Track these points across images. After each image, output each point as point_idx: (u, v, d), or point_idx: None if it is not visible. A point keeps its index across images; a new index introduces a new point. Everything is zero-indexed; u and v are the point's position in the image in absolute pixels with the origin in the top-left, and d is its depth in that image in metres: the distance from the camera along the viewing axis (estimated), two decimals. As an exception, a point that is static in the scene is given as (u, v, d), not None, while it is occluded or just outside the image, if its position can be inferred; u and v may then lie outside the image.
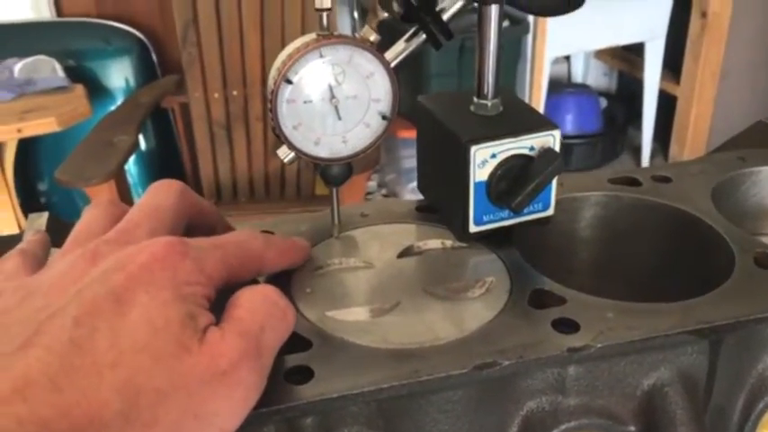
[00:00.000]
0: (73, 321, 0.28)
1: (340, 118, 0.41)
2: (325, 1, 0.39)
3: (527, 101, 2.35)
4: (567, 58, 2.91)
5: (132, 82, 2.37)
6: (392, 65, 0.42)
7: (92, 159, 1.80)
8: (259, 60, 2.06)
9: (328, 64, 0.39)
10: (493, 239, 0.45)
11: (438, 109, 0.45)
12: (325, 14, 0.39)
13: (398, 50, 0.43)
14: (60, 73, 2.10)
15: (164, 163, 2.43)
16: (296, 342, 0.36)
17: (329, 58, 0.39)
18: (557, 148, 0.43)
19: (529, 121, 0.44)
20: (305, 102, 0.40)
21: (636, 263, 0.50)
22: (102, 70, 2.35)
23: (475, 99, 0.45)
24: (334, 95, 0.40)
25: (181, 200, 0.38)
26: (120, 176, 1.84)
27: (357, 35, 0.40)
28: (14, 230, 2.17)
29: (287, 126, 0.40)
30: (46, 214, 0.48)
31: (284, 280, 0.41)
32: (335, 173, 0.43)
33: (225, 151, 2.07)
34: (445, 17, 0.43)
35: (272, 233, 0.46)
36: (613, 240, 0.51)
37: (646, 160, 2.74)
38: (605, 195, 0.50)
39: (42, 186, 2.43)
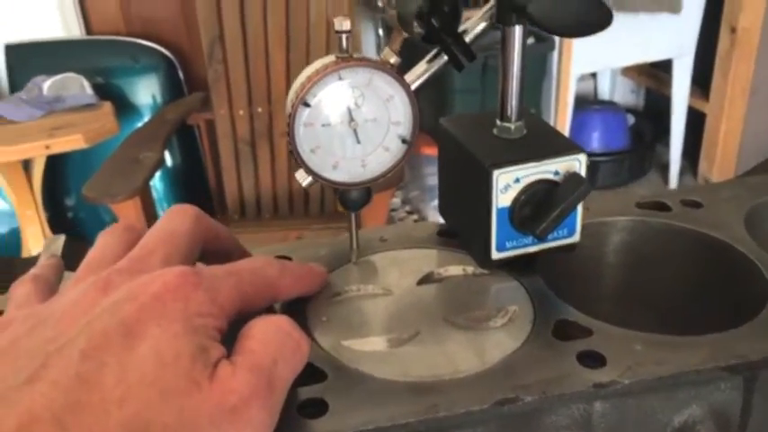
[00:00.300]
0: (80, 355, 0.27)
1: (359, 141, 0.40)
2: (345, 23, 0.38)
3: (552, 118, 2.34)
4: (594, 75, 2.89)
5: (159, 99, 2.39)
6: (413, 87, 0.41)
7: (118, 176, 1.81)
8: (284, 77, 2.07)
9: (347, 87, 0.38)
10: (515, 266, 0.43)
11: (460, 132, 0.44)
12: (344, 36, 0.38)
13: (419, 72, 0.42)
14: (89, 90, 2.13)
15: (189, 179, 2.44)
16: (310, 373, 0.35)
17: (348, 80, 0.38)
18: (582, 173, 0.42)
19: (553, 145, 0.42)
20: (323, 125, 0.39)
21: (665, 291, 0.49)
22: (129, 87, 2.38)
23: (498, 122, 0.44)
24: (353, 118, 0.39)
25: (196, 225, 0.37)
26: (145, 193, 1.85)
27: (379, 57, 0.39)
28: (41, 245, 2.19)
29: (304, 149, 0.39)
30: (63, 237, 0.47)
31: (300, 307, 0.40)
32: (354, 197, 0.42)
33: (249, 168, 2.08)
34: (468, 38, 0.42)
35: (289, 258, 0.45)
36: (641, 267, 0.49)
37: (674, 178, 2.70)
38: (633, 220, 0.49)
39: (70, 201, 2.46)
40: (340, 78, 0.38)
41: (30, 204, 2.14)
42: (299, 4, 2.04)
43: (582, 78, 2.53)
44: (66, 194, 2.44)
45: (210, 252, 0.38)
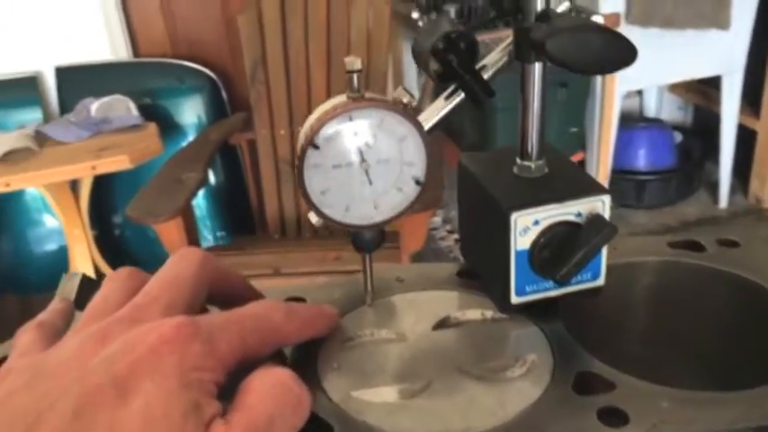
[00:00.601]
0: (73, 413, 0.27)
1: (371, 183, 0.38)
2: (356, 63, 0.37)
3: (596, 137, 2.29)
4: (640, 92, 2.83)
5: (203, 119, 2.43)
6: (429, 126, 0.40)
7: (160, 196, 1.84)
8: (325, 97, 2.07)
9: (359, 127, 0.37)
10: (536, 310, 0.41)
11: (479, 170, 0.43)
12: (355, 76, 0.37)
13: (436, 109, 0.41)
14: (134, 112, 2.17)
15: (231, 198, 2.47)
16: (316, 426, 0.34)
17: (359, 121, 0.37)
18: (606, 215, 0.40)
19: (576, 185, 0.40)
20: (334, 166, 0.38)
21: (697, 340, 0.46)
22: (175, 108, 2.42)
23: (518, 160, 0.42)
24: (364, 159, 0.38)
25: (201, 269, 0.36)
26: (187, 212, 1.88)
27: (390, 96, 0.38)
28: (88, 263, 2.23)
29: (314, 191, 0.38)
30: (79, 276, 0.47)
31: (312, 351, 0.39)
32: (367, 239, 0.41)
33: (290, 188, 2.09)
34: (486, 75, 0.40)
35: (303, 300, 0.44)
36: (672, 314, 0.46)
37: (724, 197, 2.62)
38: (664, 261, 0.46)
39: (117, 219, 2.51)
40: (351, 119, 0.37)
41: (77, 224, 2.19)
42: (340, 23, 2.05)
43: (627, 95, 2.48)
44: (114, 212, 2.48)
45: (219, 296, 0.37)
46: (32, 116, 2.29)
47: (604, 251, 0.41)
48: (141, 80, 2.42)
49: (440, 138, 2.06)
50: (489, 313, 0.42)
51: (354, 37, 2.06)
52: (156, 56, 2.48)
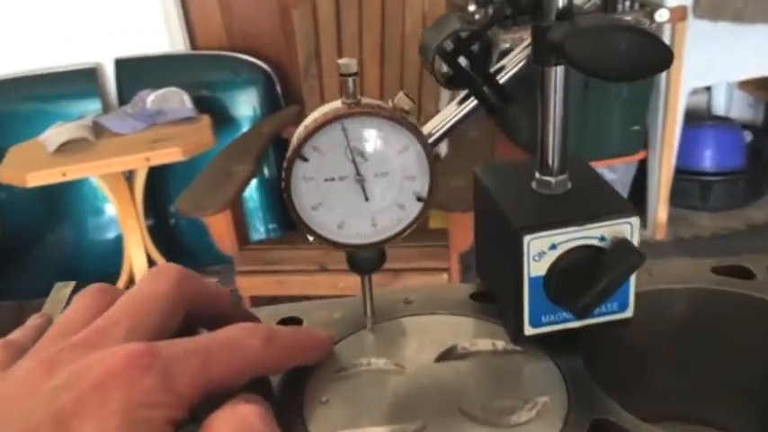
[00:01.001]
0: None
1: (367, 198, 0.35)
2: (352, 65, 0.33)
3: (659, 135, 2.19)
4: (708, 88, 2.69)
5: (257, 112, 2.43)
6: (436, 135, 0.36)
7: (210, 189, 1.84)
8: (378, 91, 2.04)
9: (353, 137, 0.34)
10: (554, 341, 0.37)
11: (494, 184, 0.38)
12: (351, 80, 0.33)
13: (445, 117, 0.37)
14: (188, 104, 2.18)
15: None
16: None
17: (354, 130, 0.33)
18: (635, 241, 0.35)
19: (601, 205, 0.36)
20: (326, 180, 0.34)
21: (741, 381, 0.41)
22: (230, 101, 2.43)
23: (537, 174, 0.38)
24: (359, 173, 0.34)
25: (177, 288, 0.33)
26: (236, 205, 1.88)
27: (390, 102, 0.34)
28: (141, 252, 2.26)
29: (304, 207, 0.35)
30: (72, 284, 0.45)
31: (302, 381, 0.36)
32: (365, 258, 0.37)
33: (340, 183, 2.06)
34: (502, 79, 0.36)
35: (299, 320, 0.41)
36: (712, 349, 0.41)
37: (797, 201, 2.48)
38: (705, 290, 0.41)
39: (172, 209, 2.53)
40: (343, 129, 0.33)
41: (131, 213, 2.22)
42: (394, 15, 2.02)
43: (694, 92, 2.36)
44: (169, 202, 2.51)
45: (202, 317, 0.34)
46: (92, 107, 2.33)
47: (633, 280, 0.36)
48: (198, 72, 2.44)
49: (493, 132, 2.00)
50: (501, 344, 0.38)
51: (409, 30, 2.02)
52: (212, 48, 2.49)
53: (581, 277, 0.35)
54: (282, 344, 0.33)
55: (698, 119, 2.50)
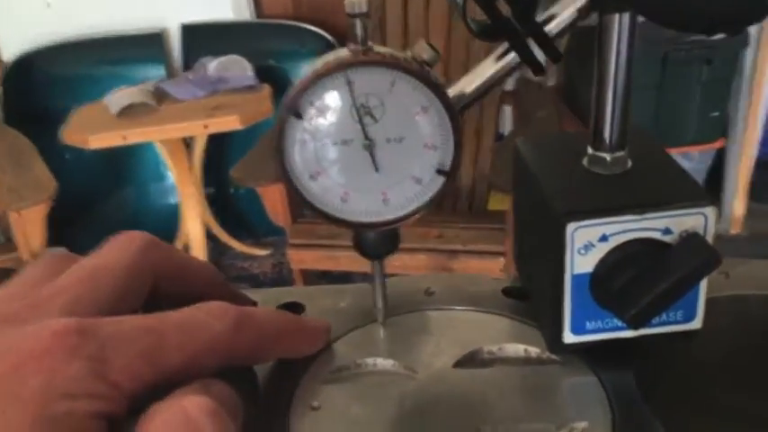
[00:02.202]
0: None
1: (377, 168, 0.29)
2: (361, 3, 0.27)
3: (741, 124, 2.05)
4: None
5: (321, 83, 2.38)
6: (465, 96, 0.30)
7: (265, 159, 1.81)
8: (442, 66, 1.97)
9: (360, 92, 0.28)
10: (599, 351, 0.31)
11: (536, 159, 0.32)
12: (358, 21, 0.27)
13: (478, 75, 0.30)
14: (249, 72, 2.15)
15: (342, 165, 2.42)
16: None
17: (361, 83, 0.27)
18: (709, 236, 0.28)
19: (667, 189, 0.29)
20: (326, 144, 0.28)
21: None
22: (294, 71, 2.39)
23: (590, 149, 0.31)
24: (368, 137, 0.28)
25: (141, 258, 0.28)
26: (291, 178, 1.84)
27: (407, 52, 0.28)
28: (198, 219, 2.26)
29: (300, 175, 0.29)
30: (62, 251, 0.41)
31: (292, 381, 0.30)
32: (373, 241, 0.31)
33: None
34: (551, 30, 0.29)
35: (301, 307, 0.35)
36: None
37: None
38: (793, 300, 0.34)
39: (231, 177, 2.52)
40: (348, 82, 0.27)
41: (190, 180, 2.22)
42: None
43: (783, 78, 2.20)
44: (228, 171, 2.50)
45: (174, 296, 0.29)
46: (156, 72, 2.33)
47: (704, 284, 0.29)
48: (261, 41, 2.41)
49: (561, 111, 1.90)
50: (534, 351, 0.32)
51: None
52: (277, 17, 2.46)
53: (637, 278, 0.28)
54: (258, 330, 0.27)
55: (786, 107, 2.33)
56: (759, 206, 2.29)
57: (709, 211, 0.28)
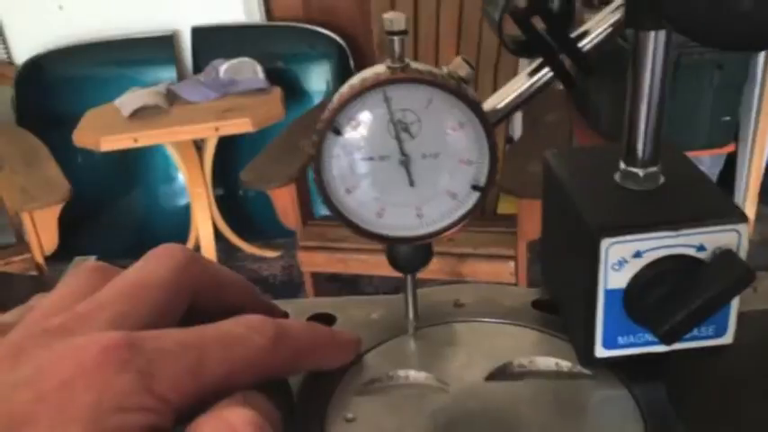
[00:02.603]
0: None
1: (412, 183, 0.29)
2: (399, 20, 0.27)
3: (751, 131, 2.04)
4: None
5: (330, 86, 2.39)
6: (500, 112, 0.30)
7: (275, 162, 1.82)
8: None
9: (397, 109, 0.28)
10: (631, 365, 0.31)
11: (568, 173, 0.32)
12: (397, 39, 0.27)
13: (512, 90, 0.30)
14: (260, 75, 2.16)
15: (351, 168, 2.42)
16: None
17: (398, 100, 0.28)
18: (742, 252, 0.28)
19: (701, 206, 0.29)
20: (363, 159, 0.29)
21: None
22: (304, 74, 2.40)
23: (622, 164, 0.31)
24: (404, 153, 0.28)
25: (181, 274, 0.28)
26: (301, 180, 1.84)
27: (444, 69, 0.28)
28: (208, 221, 2.26)
29: (336, 190, 0.29)
30: (91, 259, 0.41)
31: (326, 393, 0.31)
32: (405, 255, 0.31)
33: (408, 162, 2.01)
34: (584, 46, 0.29)
35: (332, 318, 0.35)
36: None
37: None
38: (824, 315, 0.34)
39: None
40: (386, 98, 0.28)
41: (200, 182, 2.22)
42: (474, -6, 1.94)
43: (795, 83, 2.19)
44: (238, 173, 2.51)
45: (210, 308, 0.29)
46: (167, 74, 2.34)
47: (736, 300, 0.29)
48: (272, 44, 2.41)
49: (572, 117, 1.90)
50: (566, 365, 0.32)
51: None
52: (288, 20, 2.46)
53: (671, 294, 0.28)
54: (295, 343, 0.28)
55: (797, 112, 2.32)
56: (768, 213, 2.29)
57: (742, 229, 0.28)
